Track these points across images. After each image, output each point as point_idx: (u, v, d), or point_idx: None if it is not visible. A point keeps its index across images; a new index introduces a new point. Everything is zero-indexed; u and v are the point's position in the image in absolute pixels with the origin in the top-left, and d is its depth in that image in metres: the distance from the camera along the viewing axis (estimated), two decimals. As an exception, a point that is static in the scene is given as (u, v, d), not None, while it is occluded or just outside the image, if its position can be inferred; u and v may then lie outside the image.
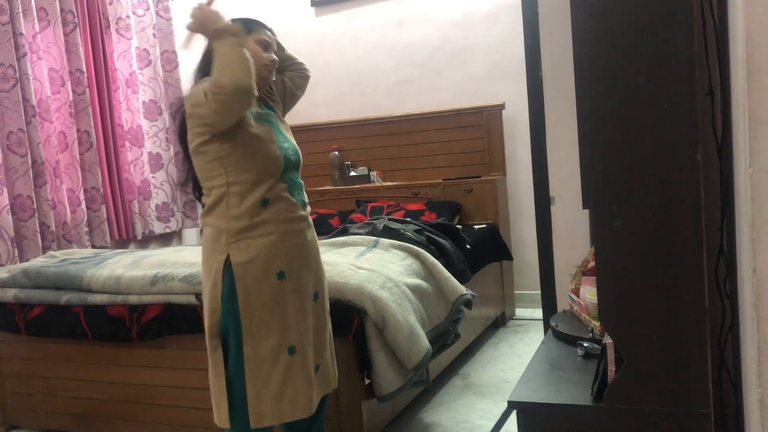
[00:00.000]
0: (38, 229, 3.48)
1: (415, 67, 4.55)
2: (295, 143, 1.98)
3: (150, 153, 4.30)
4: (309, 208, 1.97)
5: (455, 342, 2.84)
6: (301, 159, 1.98)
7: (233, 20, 1.81)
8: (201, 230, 1.92)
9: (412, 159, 4.42)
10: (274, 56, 1.97)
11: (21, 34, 3.44)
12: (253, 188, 1.80)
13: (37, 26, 3.61)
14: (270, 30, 1.98)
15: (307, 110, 4.76)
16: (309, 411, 1.85)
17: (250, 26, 1.92)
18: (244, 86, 1.69)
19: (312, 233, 1.96)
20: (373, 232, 3.23)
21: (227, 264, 1.78)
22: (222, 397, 1.81)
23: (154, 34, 4.35)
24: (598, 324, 1.84)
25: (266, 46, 1.94)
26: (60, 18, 3.72)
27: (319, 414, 2.04)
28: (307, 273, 1.90)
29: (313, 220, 2.05)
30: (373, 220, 3.44)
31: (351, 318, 2.30)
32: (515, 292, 4.26)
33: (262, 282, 1.79)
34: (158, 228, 4.31)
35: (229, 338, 1.80)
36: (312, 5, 4.83)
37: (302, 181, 1.97)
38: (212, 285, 1.81)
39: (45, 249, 3.49)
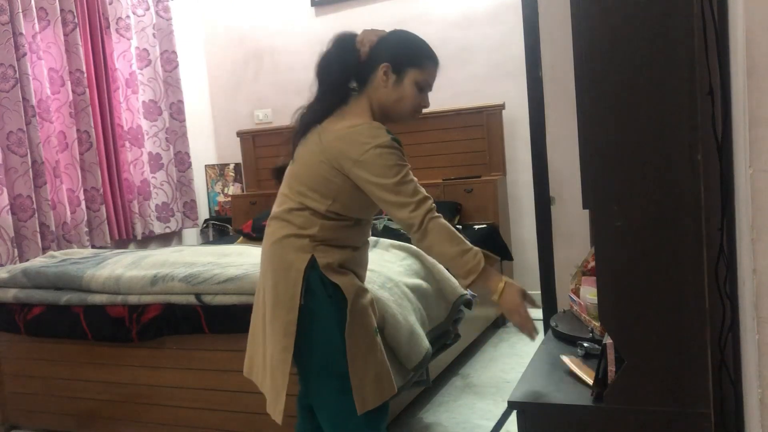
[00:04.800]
0: (38, 229, 3.48)
1: (415, 67, 4.54)
2: None
3: (150, 153, 4.30)
4: None
5: (455, 342, 2.84)
6: None
7: (401, 39, 1.79)
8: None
9: (412, 159, 4.37)
10: (427, 101, 1.85)
11: (21, 34, 3.44)
12: (355, 215, 1.82)
13: (37, 26, 3.61)
14: (437, 67, 1.85)
15: (307, 110, 4.76)
16: (396, 388, 1.87)
17: (421, 58, 1.80)
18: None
19: None
20: (373, 232, 3.23)
21: (312, 264, 1.75)
22: (283, 392, 1.78)
23: (154, 34, 4.35)
24: (598, 324, 1.84)
25: (423, 88, 1.82)
26: (60, 18, 3.72)
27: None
28: (365, 276, 1.95)
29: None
30: (373, 220, 3.44)
31: (351, 318, 2.30)
32: (515, 292, 4.25)
33: (349, 280, 1.79)
34: (158, 228, 4.31)
35: (331, 331, 1.77)
36: (312, 5, 4.83)
37: None
38: (293, 283, 1.75)
39: (45, 249, 3.49)
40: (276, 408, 1.80)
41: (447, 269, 2.04)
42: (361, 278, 1.90)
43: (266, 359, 1.84)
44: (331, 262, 1.77)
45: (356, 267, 1.87)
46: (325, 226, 1.77)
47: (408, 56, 1.78)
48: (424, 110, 1.93)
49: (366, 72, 1.79)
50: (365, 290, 1.86)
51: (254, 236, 3.86)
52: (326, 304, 1.77)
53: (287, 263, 1.77)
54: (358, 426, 1.79)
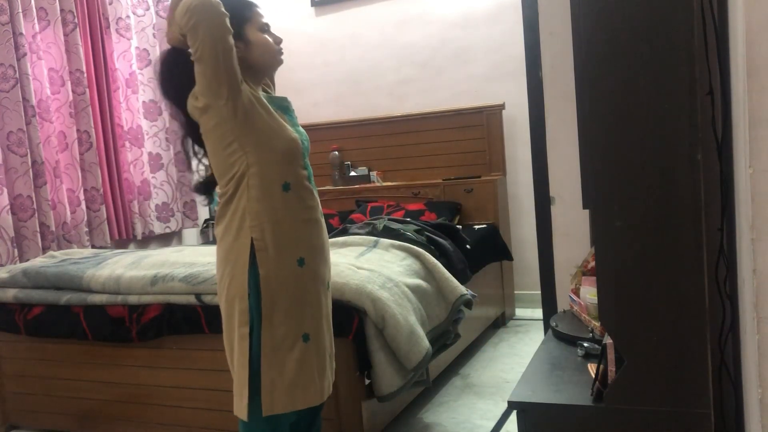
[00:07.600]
0: (38, 229, 3.48)
1: (415, 67, 4.54)
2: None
3: (150, 153, 4.30)
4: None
5: (455, 342, 2.84)
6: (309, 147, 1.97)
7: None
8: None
9: (412, 159, 4.42)
10: (278, 37, 1.92)
11: (21, 34, 3.44)
12: (274, 169, 1.77)
13: (37, 26, 3.61)
14: (258, 6, 1.90)
15: (307, 110, 4.77)
16: (320, 399, 1.84)
17: (243, 12, 1.81)
18: None
19: (324, 223, 1.95)
20: (373, 232, 3.23)
21: (252, 248, 1.75)
22: (245, 387, 1.77)
23: (154, 34, 4.35)
24: (598, 324, 1.85)
25: (265, 30, 1.88)
26: (60, 18, 3.72)
27: (316, 418, 2.03)
28: (323, 262, 1.89)
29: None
30: (373, 220, 3.44)
31: (351, 318, 2.30)
32: (515, 292, 4.26)
33: (282, 268, 1.77)
34: (158, 228, 4.31)
35: (254, 325, 1.77)
36: (312, 5, 4.83)
37: None
38: (240, 270, 1.76)
39: (45, 249, 3.49)
40: (241, 403, 1.78)
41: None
42: (313, 263, 1.83)
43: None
44: (267, 246, 1.75)
45: (303, 250, 1.81)
46: (251, 195, 1.75)
47: (235, 21, 1.76)
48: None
49: None
50: (308, 286, 1.81)
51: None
52: (255, 298, 1.77)
53: (235, 251, 1.78)
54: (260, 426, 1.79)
